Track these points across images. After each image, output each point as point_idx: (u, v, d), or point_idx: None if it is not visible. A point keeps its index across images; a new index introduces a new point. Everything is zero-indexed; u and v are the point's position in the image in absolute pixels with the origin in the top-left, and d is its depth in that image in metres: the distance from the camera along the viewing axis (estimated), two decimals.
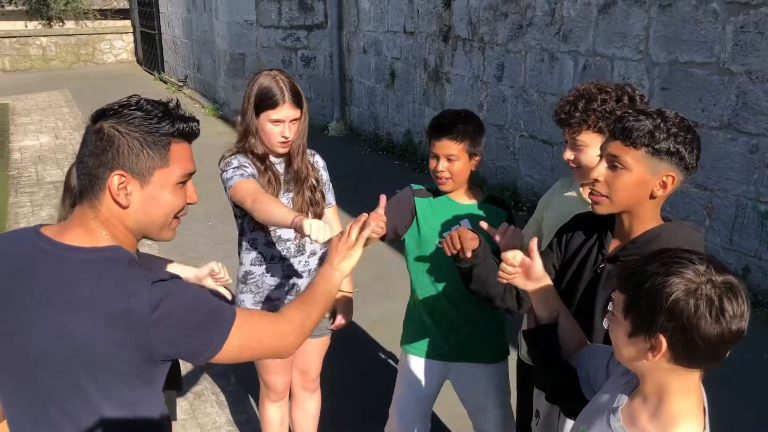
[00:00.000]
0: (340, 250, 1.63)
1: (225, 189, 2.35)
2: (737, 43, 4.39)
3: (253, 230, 2.46)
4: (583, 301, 1.76)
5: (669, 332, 1.22)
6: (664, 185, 1.57)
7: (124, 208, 1.35)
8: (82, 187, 1.36)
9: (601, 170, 1.62)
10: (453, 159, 2.28)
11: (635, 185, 1.58)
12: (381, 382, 3.61)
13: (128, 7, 17.57)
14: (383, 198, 1.94)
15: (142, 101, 1.37)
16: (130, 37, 17.58)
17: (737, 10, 4.35)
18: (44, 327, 1.28)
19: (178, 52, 13.91)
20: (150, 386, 1.38)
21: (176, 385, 2.70)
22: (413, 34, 8.15)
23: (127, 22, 17.60)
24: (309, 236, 1.88)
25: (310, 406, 2.85)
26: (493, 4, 6.66)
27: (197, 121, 1.44)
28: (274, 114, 2.34)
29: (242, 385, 3.65)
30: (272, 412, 2.78)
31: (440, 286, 2.39)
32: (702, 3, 4.57)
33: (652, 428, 1.29)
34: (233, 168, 2.33)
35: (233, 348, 1.36)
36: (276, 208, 2.11)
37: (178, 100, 1.45)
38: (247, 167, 2.34)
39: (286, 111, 2.34)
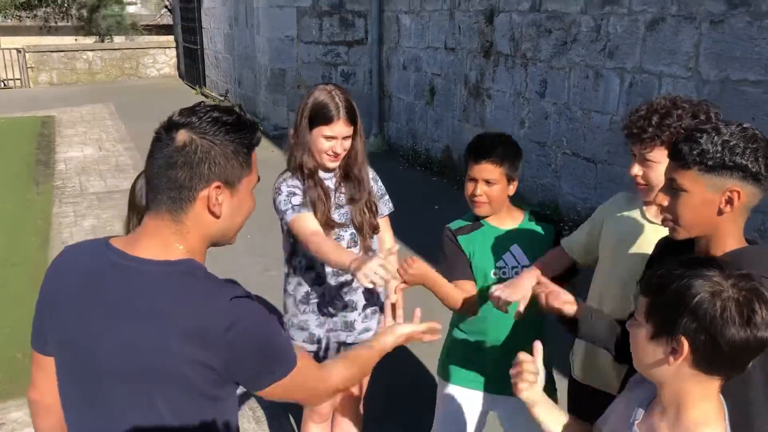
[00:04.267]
0: (396, 339, 1.75)
1: (279, 216, 2.35)
2: None
3: (300, 255, 2.46)
4: None
5: (692, 334, 1.19)
6: (730, 201, 1.48)
7: (217, 217, 1.35)
8: (161, 199, 1.32)
9: (661, 196, 1.57)
10: (492, 183, 2.22)
11: (698, 206, 1.50)
12: (423, 403, 3.53)
13: (172, 22, 17.93)
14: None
15: (214, 110, 1.35)
16: (173, 52, 17.93)
17: None
18: (114, 338, 1.28)
19: (219, 66, 14.11)
20: (218, 405, 1.36)
21: None
22: (454, 50, 8.12)
23: (170, 38, 17.97)
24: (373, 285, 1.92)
25: (352, 427, 2.79)
26: (537, 20, 6.59)
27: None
28: (327, 130, 2.32)
29: (281, 402, 3.60)
30: None
31: (495, 317, 2.27)
32: (756, 19, 4.44)
33: None
34: (284, 198, 2.33)
35: (281, 388, 1.37)
36: (331, 251, 2.14)
37: (241, 105, 1.44)
38: (296, 194, 2.33)
39: (340, 127, 2.32)
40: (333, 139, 2.32)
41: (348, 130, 2.34)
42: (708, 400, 1.26)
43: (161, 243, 1.32)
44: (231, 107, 1.40)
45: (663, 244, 1.78)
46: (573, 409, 2.40)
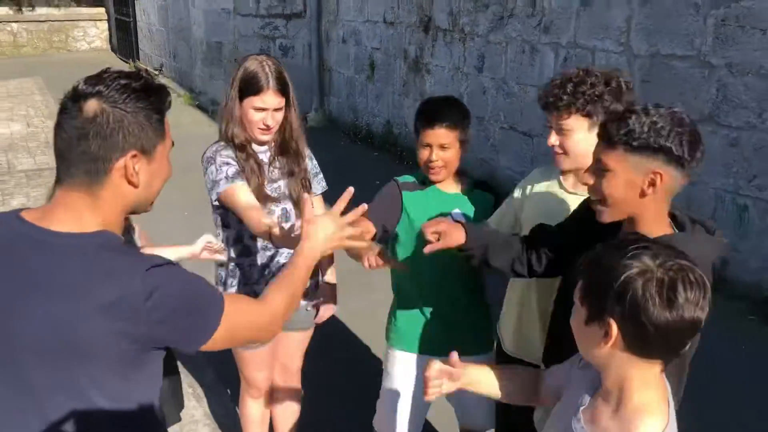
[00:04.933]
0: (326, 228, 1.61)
1: (208, 188, 2.28)
2: (718, 36, 4.40)
3: (239, 222, 2.41)
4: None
5: (619, 316, 1.18)
6: (653, 183, 1.49)
7: (135, 187, 1.32)
8: (74, 172, 1.27)
9: (588, 175, 1.59)
10: (447, 147, 2.23)
11: (622, 186, 1.51)
12: (364, 376, 3.57)
13: None
14: (363, 206, 1.81)
15: (121, 77, 1.30)
16: (105, 25, 17.25)
17: (718, 3, 4.36)
18: (30, 315, 1.23)
19: (153, 40, 13.67)
20: (142, 374, 1.33)
21: (174, 369, 2.64)
22: (393, 25, 8.08)
23: (101, 9, 17.28)
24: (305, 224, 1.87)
25: (291, 401, 2.79)
26: None
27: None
28: (257, 101, 2.26)
29: (220, 377, 3.58)
30: (253, 409, 2.72)
31: (435, 281, 2.34)
32: None
33: (614, 426, 1.26)
34: (216, 168, 2.26)
35: (221, 338, 1.34)
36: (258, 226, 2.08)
37: (147, 69, 1.40)
38: (229, 163, 2.27)
39: (270, 98, 2.26)
40: (263, 111, 2.27)
41: (279, 101, 2.28)
42: (649, 386, 1.25)
43: (75, 216, 1.28)
44: (138, 71, 1.36)
45: (583, 210, 1.80)
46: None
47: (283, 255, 2.45)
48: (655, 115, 1.48)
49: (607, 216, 1.58)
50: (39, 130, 9.18)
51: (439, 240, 1.93)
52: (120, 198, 1.32)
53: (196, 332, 1.32)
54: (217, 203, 2.32)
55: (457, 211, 2.30)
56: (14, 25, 16.47)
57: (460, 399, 2.56)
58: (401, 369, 2.47)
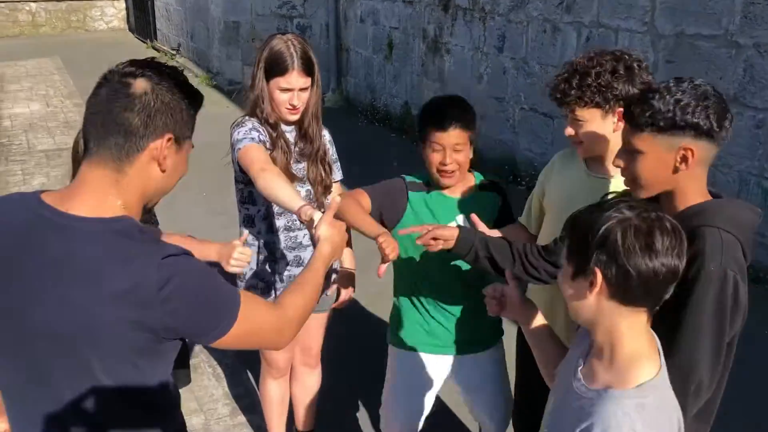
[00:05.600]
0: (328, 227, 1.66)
1: (233, 150, 2.25)
2: (746, 15, 4.29)
3: (250, 199, 2.39)
4: None
5: (602, 265, 1.25)
6: (684, 159, 1.49)
7: (163, 171, 1.33)
8: (106, 144, 1.27)
9: (618, 159, 1.60)
10: (460, 150, 2.15)
11: (654, 166, 1.52)
12: (380, 358, 3.57)
13: None
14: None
15: (167, 68, 1.34)
16: (122, 4, 17.25)
17: None
18: (46, 300, 1.23)
19: (170, 19, 13.65)
20: (155, 364, 1.33)
21: (184, 363, 2.66)
22: (412, 3, 7.99)
23: None
24: (314, 231, 1.82)
25: (310, 382, 2.80)
26: None
27: None
28: (283, 82, 2.24)
29: (239, 358, 3.61)
30: (273, 390, 2.74)
31: (438, 279, 2.30)
32: None
33: (610, 378, 1.30)
34: (246, 130, 2.23)
35: (234, 336, 1.33)
36: (284, 188, 2.01)
37: (182, 69, 1.44)
38: (260, 132, 2.25)
39: (295, 79, 2.24)
40: (289, 91, 2.25)
41: (304, 81, 2.26)
42: (637, 335, 1.30)
43: (98, 198, 1.28)
44: (180, 70, 1.39)
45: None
46: (523, 364, 2.43)
47: (304, 240, 2.44)
48: (677, 92, 1.48)
49: (644, 194, 1.58)
50: (58, 110, 9.23)
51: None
52: (145, 180, 1.32)
53: (210, 327, 1.30)
54: (238, 168, 2.29)
55: (461, 216, 2.24)
56: (33, 5, 16.52)
57: (475, 409, 2.54)
58: (404, 368, 2.43)
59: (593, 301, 1.29)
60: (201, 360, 3.59)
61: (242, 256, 2.04)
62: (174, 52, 13.17)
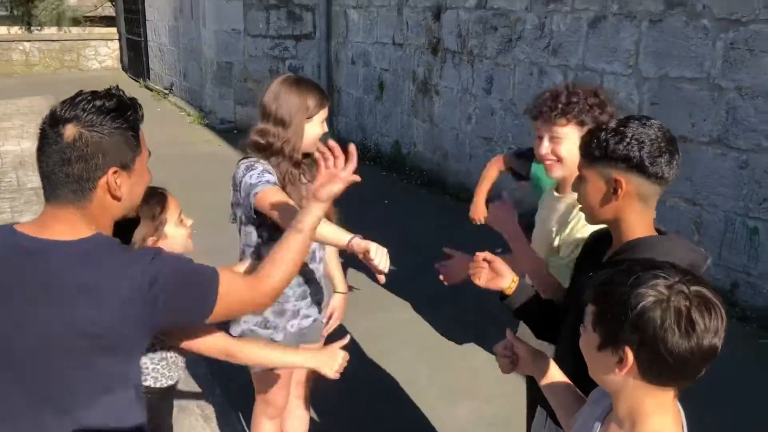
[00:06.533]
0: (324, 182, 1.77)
1: (243, 193, 2.27)
2: (727, 59, 4.41)
3: (267, 241, 2.40)
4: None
5: (635, 345, 1.17)
6: (615, 190, 1.57)
7: (119, 200, 1.42)
8: (61, 193, 1.37)
9: (574, 184, 1.71)
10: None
11: (593, 194, 1.63)
12: (368, 397, 3.55)
13: (114, 14, 17.44)
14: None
15: (95, 99, 1.39)
16: (116, 44, 17.43)
17: (727, 26, 4.38)
18: (40, 322, 1.31)
19: (164, 59, 13.80)
20: (135, 359, 1.47)
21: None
22: (402, 46, 8.15)
23: (113, 29, 17.46)
24: (372, 262, 1.93)
25: (302, 414, 2.80)
26: (483, 17, 6.67)
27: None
28: (325, 112, 2.37)
29: (228, 397, 3.57)
30: (267, 429, 2.69)
31: None
32: (692, 19, 4.59)
33: None
34: (258, 173, 2.25)
35: (219, 312, 1.47)
36: (326, 227, 2.08)
37: (117, 85, 1.49)
38: (271, 174, 2.29)
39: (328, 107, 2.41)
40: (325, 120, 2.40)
41: None
42: (663, 413, 1.23)
43: (70, 226, 1.38)
44: (109, 90, 1.44)
45: (589, 241, 1.86)
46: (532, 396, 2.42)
47: (310, 272, 2.48)
48: (621, 126, 1.56)
49: (590, 221, 1.70)
50: None
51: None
52: (107, 209, 1.42)
53: (198, 308, 1.44)
54: (253, 211, 2.30)
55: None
56: (26, 44, 16.66)
57: None
58: None
59: (620, 378, 1.22)
60: (188, 400, 3.55)
61: (344, 361, 2.07)
62: (167, 92, 13.29)
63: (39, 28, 16.79)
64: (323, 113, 2.38)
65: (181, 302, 1.41)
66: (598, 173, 1.59)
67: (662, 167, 1.54)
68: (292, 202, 2.20)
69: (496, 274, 1.83)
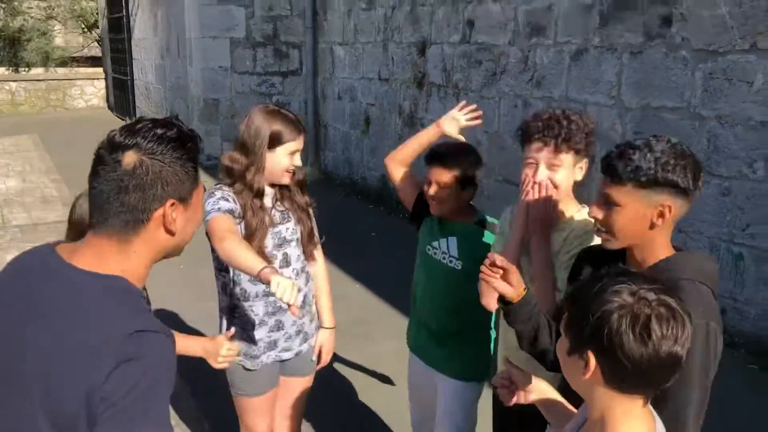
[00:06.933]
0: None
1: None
2: (707, 89, 4.51)
3: (226, 268, 2.40)
4: None
5: (596, 350, 1.20)
6: (661, 215, 1.55)
7: (173, 234, 1.34)
8: (112, 222, 1.29)
9: (596, 209, 1.63)
10: (443, 186, 2.42)
11: (632, 220, 1.56)
12: (358, 429, 3.51)
13: (100, 54, 17.56)
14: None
15: (156, 126, 1.31)
16: (102, 83, 17.52)
17: (706, 57, 4.48)
18: (32, 341, 1.24)
19: (150, 98, 13.87)
20: None
21: None
22: (388, 81, 8.25)
23: (99, 69, 17.57)
24: (278, 298, 1.88)
25: None
26: (467, 51, 6.79)
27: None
28: (294, 145, 2.34)
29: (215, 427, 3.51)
30: None
31: (426, 295, 2.56)
32: (672, 50, 4.70)
33: None
34: (214, 200, 2.27)
35: None
36: (244, 254, 2.05)
37: (177, 115, 1.44)
38: (228, 200, 2.29)
39: (302, 140, 2.37)
40: (295, 154, 2.35)
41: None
42: (632, 420, 1.24)
43: (99, 258, 1.30)
44: (169, 119, 1.37)
45: (585, 255, 1.83)
46: (497, 415, 2.40)
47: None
48: (658, 150, 1.53)
49: (615, 245, 1.62)
50: (35, 185, 9.20)
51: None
52: (153, 245, 1.33)
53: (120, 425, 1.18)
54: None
55: (452, 238, 2.48)
56: (12, 84, 16.70)
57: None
58: (410, 368, 2.73)
59: (587, 383, 1.25)
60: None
61: (230, 353, 2.09)
62: None
63: (26, 69, 16.87)
64: (293, 145, 2.33)
65: (124, 399, 1.16)
66: (642, 199, 1.54)
67: (700, 189, 1.56)
68: (235, 233, 2.18)
69: (509, 284, 1.67)
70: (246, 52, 10.11)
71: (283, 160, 2.33)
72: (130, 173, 1.26)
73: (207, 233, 2.26)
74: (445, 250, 2.49)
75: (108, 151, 1.29)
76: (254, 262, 1.99)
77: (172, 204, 1.31)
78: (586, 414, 1.37)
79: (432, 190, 2.40)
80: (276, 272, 1.93)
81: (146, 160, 1.27)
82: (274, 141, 2.31)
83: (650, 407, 1.29)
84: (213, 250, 2.42)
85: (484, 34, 6.54)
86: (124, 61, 15.27)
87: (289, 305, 1.88)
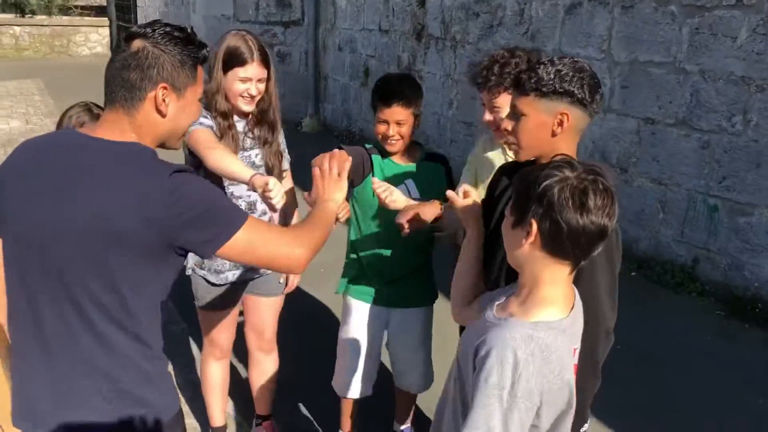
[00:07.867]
0: (328, 185, 1.80)
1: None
2: (692, 44, 4.60)
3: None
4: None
5: (539, 217, 1.38)
6: (561, 123, 1.68)
7: (163, 116, 1.54)
8: (115, 97, 1.51)
9: (506, 121, 1.80)
10: (402, 123, 2.44)
11: (534, 128, 1.71)
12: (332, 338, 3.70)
13: (105, 3, 17.48)
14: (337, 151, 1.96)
15: (169, 26, 1.54)
16: (106, 31, 17.47)
17: (693, 12, 4.56)
18: (75, 201, 1.44)
19: None
20: (160, 274, 1.53)
21: None
22: (388, 33, 8.30)
23: (104, 18, 17.50)
24: (269, 196, 1.99)
25: (267, 367, 2.89)
26: (466, 3, 6.83)
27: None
28: (242, 72, 2.39)
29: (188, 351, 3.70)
30: (214, 371, 2.82)
31: (385, 240, 2.57)
32: (661, 5, 4.77)
33: (517, 311, 1.45)
34: (198, 120, 2.36)
35: (240, 243, 1.50)
36: (234, 162, 2.19)
37: (192, 27, 1.62)
38: (206, 119, 2.39)
39: (254, 69, 2.40)
40: (248, 81, 2.40)
41: (262, 73, 2.42)
42: (557, 285, 1.43)
43: (115, 130, 1.52)
44: (184, 26, 1.59)
45: (501, 170, 2.00)
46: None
47: (259, 215, 2.57)
48: (559, 64, 1.68)
49: (524, 155, 1.78)
50: (37, 127, 9.34)
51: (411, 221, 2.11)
52: (151, 125, 1.54)
53: (210, 234, 1.48)
54: (188, 152, 2.41)
55: (410, 181, 2.50)
56: (17, 28, 16.66)
57: (396, 361, 2.79)
58: (355, 317, 2.69)
59: (527, 250, 1.42)
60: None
61: (273, 189, 2.02)
62: None
63: (30, 15, 16.82)
64: (241, 71, 2.39)
65: (195, 221, 1.45)
66: (543, 107, 1.68)
67: (598, 104, 1.70)
68: (217, 142, 2.30)
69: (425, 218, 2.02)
70: (248, 1, 10.12)
71: (235, 84, 2.41)
72: (134, 55, 1.50)
73: (187, 146, 2.37)
74: (406, 194, 2.51)
75: (124, 40, 1.54)
76: (244, 170, 2.14)
77: (164, 88, 1.51)
78: (513, 288, 1.56)
79: (392, 130, 2.43)
80: (267, 176, 2.07)
81: (149, 46, 1.50)
82: (226, 64, 2.41)
83: (574, 288, 1.49)
84: (186, 161, 2.50)
85: None
86: (128, 9, 15.26)
87: (275, 206, 2.03)
